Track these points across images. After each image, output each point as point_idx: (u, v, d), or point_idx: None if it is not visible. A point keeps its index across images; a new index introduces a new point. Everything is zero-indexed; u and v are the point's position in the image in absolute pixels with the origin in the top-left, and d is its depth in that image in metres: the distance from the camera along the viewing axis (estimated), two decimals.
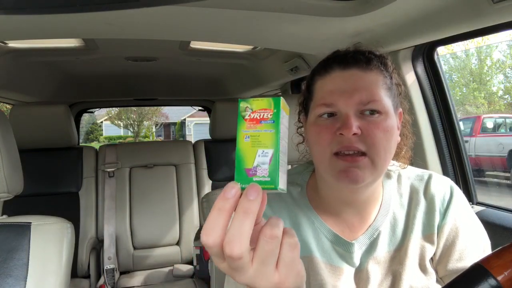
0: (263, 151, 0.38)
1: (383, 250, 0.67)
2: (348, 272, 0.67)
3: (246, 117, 0.39)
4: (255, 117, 0.39)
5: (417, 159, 1.26)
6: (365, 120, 0.61)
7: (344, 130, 0.59)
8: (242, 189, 0.37)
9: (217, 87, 2.62)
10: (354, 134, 0.59)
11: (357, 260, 0.67)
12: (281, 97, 0.39)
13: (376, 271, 0.66)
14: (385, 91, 0.63)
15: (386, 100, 0.63)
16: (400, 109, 0.69)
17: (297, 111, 0.76)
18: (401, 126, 0.69)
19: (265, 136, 0.38)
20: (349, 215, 0.69)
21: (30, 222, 0.97)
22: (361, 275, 0.67)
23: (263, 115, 0.39)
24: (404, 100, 0.71)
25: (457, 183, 1.28)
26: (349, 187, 0.63)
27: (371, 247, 0.67)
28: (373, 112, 0.61)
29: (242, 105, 0.39)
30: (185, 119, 22.81)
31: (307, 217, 0.70)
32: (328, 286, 0.65)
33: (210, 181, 2.28)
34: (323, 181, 0.69)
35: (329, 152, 0.61)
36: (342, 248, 0.67)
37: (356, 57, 0.64)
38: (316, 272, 0.66)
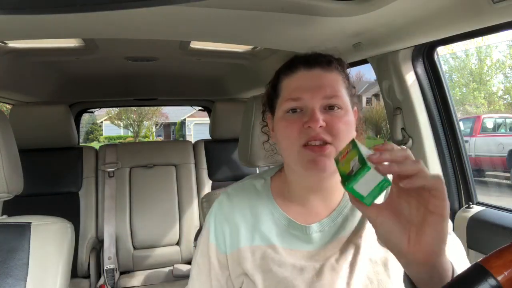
0: (353, 160, 0.52)
1: (345, 230, 0.72)
2: (309, 253, 0.71)
3: (339, 158, 0.56)
4: (343, 155, 0.55)
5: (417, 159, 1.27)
6: (328, 114, 0.68)
7: (312, 123, 0.66)
8: (349, 185, 0.50)
9: (217, 87, 2.62)
10: (320, 126, 0.66)
11: (317, 241, 0.72)
12: (354, 138, 0.56)
13: (338, 248, 0.70)
14: (344, 89, 0.72)
15: (346, 98, 0.71)
16: (355, 108, 0.76)
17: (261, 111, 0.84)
18: (356, 122, 0.76)
19: (351, 155, 0.53)
20: (315, 203, 0.74)
21: (30, 222, 0.97)
22: (323, 253, 0.71)
23: (346, 151, 0.55)
24: (357, 101, 0.79)
25: (457, 183, 1.28)
26: (317, 175, 0.69)
27: (335, 228, 0.73)
28: (333, 107, 0.69)
29: (336, 158, 0.57)
30: (185, 119, 22.83)
31: (267, 208, 0.76)
32: (289, 267, 0.69)
33: (210, 181, 2.28)
34: (292, 172, 0.75)
35: (298, 144, 0.68)
36: (299, 231, 0.73)
37: (318, 59, 0.72)
38: (278, 258, 0.70)
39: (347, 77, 0.75)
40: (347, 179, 0.51)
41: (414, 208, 0.51)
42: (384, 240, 0.53)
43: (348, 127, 0.69)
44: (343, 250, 0.70)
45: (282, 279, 0.68)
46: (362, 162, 0.49)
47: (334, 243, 0.71)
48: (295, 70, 0.71)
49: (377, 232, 0.53)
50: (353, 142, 0.55)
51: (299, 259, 0.70)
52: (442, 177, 0.48)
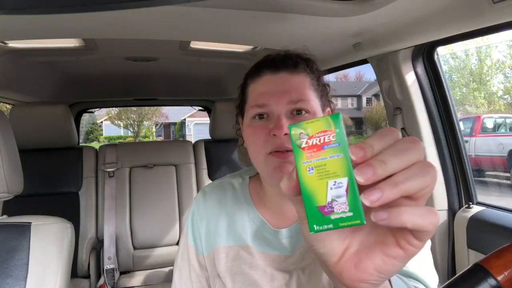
0: (335, 182, 0.32)
1: None
2: (279, 257, 0.70)
3: (303, 145, 0.33)
4: (314, 143, 0.33)
5: None
6: (294, 120, 0.65)
7: (276, 131, 0.63)
8: (317, 231, 0.33)
9: (217, 87, 2.62)
10: (286, 134, 0.62)
11: (288, 246, 0.70)
12: (340, 113, 0.33)
13: (304, 255, 0.69)
14: (312, 92, 0.68)
15: (314, 101, 0.68)
16: (329, 108, 0.74)
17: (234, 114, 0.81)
18: None
19: (333, 163, 0.32)
20: (287, 208, 0.72)
21: (30, 222, 0.97)
22: (292, 260, 0.70)
23: (324, 138, 0.33)
24: (331, 100, 0.76)
25: (457, 183, 1.28)
26: None
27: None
28: (301, 112, 0.65)
29: (294, 131, 0.34)
30: (185, 119, 22.85)
31: (243, 207, 0.75)
32: (260, 271, 0.69)
33: (210, 181, 2.28)
34: (263, 179, 0.74)
35: (264, 152, 0.65)
36: (270, 235, 0.71)
37: (284, 61, 0.68)
38: (250, 260, 0.70)
39: (317, 78, 0.71)
40: (316, 216, 0.32)
41: (369, 227, 0.36)
42: (310, 243, 0.38)
43: None
44: (309, 256, 0.69)
45: (252, 283, 0.68)
46: (355, 207, 0.31)
47: (301, 248, 0.70)
48: (261, 74, 0.69)
49: (304, 233, 0.39)
50: (337, 130, 0.32)
51: (269, 264, 0.70)
52: (438, 214, 0.33)
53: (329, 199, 0.32)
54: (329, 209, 0.32)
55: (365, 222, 0.32)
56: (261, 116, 0.67)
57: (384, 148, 0.33)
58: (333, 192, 0.32)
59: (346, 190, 0.32)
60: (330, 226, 0.32)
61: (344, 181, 0.32)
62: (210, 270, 0.74)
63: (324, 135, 0.33)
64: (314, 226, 0.33)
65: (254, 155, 0.69)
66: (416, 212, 0.32)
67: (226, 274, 0.70)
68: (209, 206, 0.76)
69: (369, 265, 0.35)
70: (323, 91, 0.72)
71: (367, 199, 0.31)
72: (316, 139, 0.33)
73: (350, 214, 0.32)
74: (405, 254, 0.34)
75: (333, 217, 0.32)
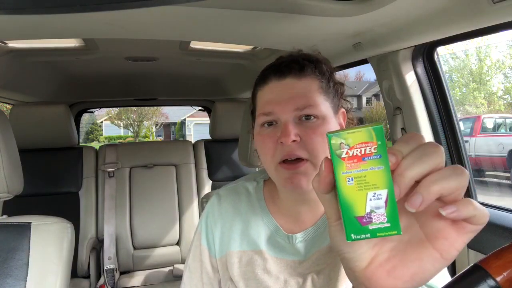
0: (375, 194, 0.32)
1: (326, 239, 0.70)
2: (293, 263, 0.70)
3: (343, 155, 0.33)
4: (355, 154, 0.33)
5: None
6: (303, 126, 0.64)
7: (283, 138, 0.62)
8: (354, 240, 0.34)
9: (217, 87, 2.62)
10: (293, 141, 0.62)
11: (302, 251, 0.70)
12: (382, 125, 0.33)
13: (319, 260, 0.69)
14: (321, 95, 0.66)
15: (323, 104, 0.66)
16: (343, 109, 0.72)
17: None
18: (345, 125, 0.72)
19: (373, 175, 0.32)
20: (302, 212, 0.71)
21: (30, 222, 0.97)
22: (306, 265, 0.69)
23: (365, 150, 0.33)
24: (346, 100, 0.74)
25: None
26: (295, 192, 0.66)
27: (318, 238, 0.70)
28: (309, 117, 0.64)
29: (335, 141, 0.33)
30: (185, 119, 22.85)
31: (258, 212, 0.74)
32: (273, 276, 0.69)
33: (210, 181, 2.28)
34: (277, 185, 0.73)
35: (274, 161, 0.65)
36: (284, 240, 0.71)
37: (290, 66, 0.67)
38: (264, 265, 0.70)
39: (327, 79, 0.69)
40: (353, 226, 0.33)
41: (401, 235, 0.36)
42: (339, 247, 0.38)
43: (325, 138, 0.65)
44: (324, 261, 0.68)
45: None
46: (393, 218, 0.32)
47: (317, 253, 0.69)
48: (267, 81, 0.68)
49: (331, 234, 0.39)
50: (379, 142, 0.32)
51: (283, 270, 0.69)
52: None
53: (368, 210, 0.33)
54: (368, 220, 0.33)
55: (401, 233, 0.33)
56: (270, 123, 0.66)
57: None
58: (372, 203, 0.33)
59: (385, 202, 0.32)
60: (368, 235, 0.33)
61: (384, 193, 0.32)
62: (222, 274, 0.74)
63: (365, 147, 0.33)
64: (352, 235, 0.33)
65: (265, 164, 0.68)
66: (473, 202, 0.33)
67: (239, 278, 0.70)
68: (224, 210, 0.76)
69: (404, 272, 0.35)
70: (336, 91, 0.70)
71: (411, 207, 0.32)
72: (357, 150, 0.33)
73: (388, 225, 0.33)
74: (443, 258, 0.35)
75: (371, 227, 0.33)
